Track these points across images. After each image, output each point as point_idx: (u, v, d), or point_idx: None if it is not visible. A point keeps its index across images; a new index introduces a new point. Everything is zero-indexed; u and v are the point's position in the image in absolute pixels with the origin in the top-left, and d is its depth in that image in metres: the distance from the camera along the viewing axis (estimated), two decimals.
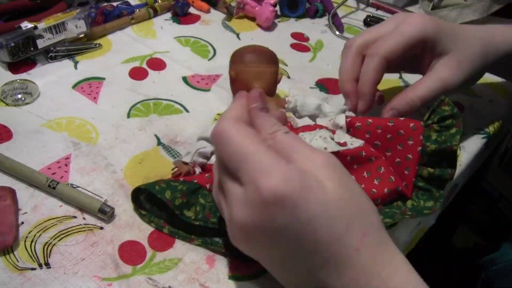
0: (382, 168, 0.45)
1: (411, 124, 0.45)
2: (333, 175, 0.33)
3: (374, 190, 0.44)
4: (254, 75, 0.52)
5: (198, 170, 0.47)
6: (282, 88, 0.63)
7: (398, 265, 0.33)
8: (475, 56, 0.51)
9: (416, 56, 0.52)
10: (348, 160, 0.43)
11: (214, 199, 0.38)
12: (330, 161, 0.34)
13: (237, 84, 0.53)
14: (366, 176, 0.44)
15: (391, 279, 0.32)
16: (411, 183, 0.45)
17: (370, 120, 0.46)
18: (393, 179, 0.44)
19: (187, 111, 0.58)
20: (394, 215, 0.43)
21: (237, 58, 0.54)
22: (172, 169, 0.48)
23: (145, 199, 0.45)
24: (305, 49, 0.72)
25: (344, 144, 0.44)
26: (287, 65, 0.68)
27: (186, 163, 0.47)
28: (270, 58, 0.53)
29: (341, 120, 0.47)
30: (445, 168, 0.44)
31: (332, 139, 0.44)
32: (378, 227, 0.34)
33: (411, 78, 0.67)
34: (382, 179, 0.44)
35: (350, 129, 0.46)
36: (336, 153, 0.42)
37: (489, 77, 0.69)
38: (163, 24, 0.74)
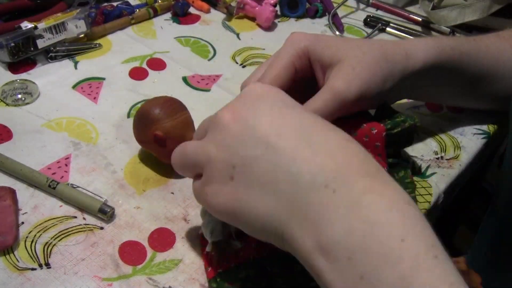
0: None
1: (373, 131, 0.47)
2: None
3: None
4: (183, 126, 0.48)
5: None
6: None
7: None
8: (373, 62, 0.45)
9: (312, 75, 0.48)
10: None
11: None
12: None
13: (170, 141, 0.47)
14: None
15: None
16: (385, 163, 0.47)
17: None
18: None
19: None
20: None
21: (154, 116, 0.47)
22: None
23: None
24: None
25: None
26: None
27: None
28: (180, 104, 0.50)
29: None
30: (404, 142, 0.48)
31: None
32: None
33: None
34: None
35: None
36: None
37: None
38: (163, 24, 0.74)
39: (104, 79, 0.62)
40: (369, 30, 0.77)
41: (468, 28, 0.76)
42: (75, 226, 0.45)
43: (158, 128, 0.47)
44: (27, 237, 0.43)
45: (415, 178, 0.52)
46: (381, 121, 0.46)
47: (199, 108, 0.59)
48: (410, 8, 0.83)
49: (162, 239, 0.45)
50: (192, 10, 0.78)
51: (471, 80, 0.52)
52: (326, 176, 0.30)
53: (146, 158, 0.52)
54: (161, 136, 0.47)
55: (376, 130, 0.46)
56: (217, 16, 0.77)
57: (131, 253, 0.43)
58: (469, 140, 0.58)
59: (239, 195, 0.33)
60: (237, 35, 0.74)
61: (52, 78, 0.61)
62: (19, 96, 0.58)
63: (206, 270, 0.42)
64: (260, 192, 0.32)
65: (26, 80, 0.60)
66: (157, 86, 0.62)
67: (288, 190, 0.31)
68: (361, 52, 0.45)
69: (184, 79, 0.64)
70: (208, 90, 0.62)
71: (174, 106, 0.49)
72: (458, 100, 0.57)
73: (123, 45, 0.68)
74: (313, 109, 0.44)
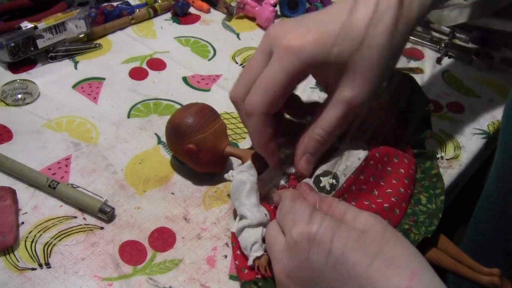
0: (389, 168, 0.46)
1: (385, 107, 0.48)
2: (377, 223, 0.36)
3: (401, 189, 0.45)
4: (216, 136, 0.47)
5: None
6: None
7: None
8: (378, 56, 0.40)
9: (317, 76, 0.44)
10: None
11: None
12: (377, 216, 0.37)
13: (203, 154, 0.47)
14: (382, 183, 0.45)
15: None
16: (411, 152, 0.48)
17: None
18: (406, 159, 0.46)
19: None
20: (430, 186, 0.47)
21: (186, 129, 0.47)
22: (255, 267, 0.41)
23: None
24: None
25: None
26: None
27: (259, 257, 0.41)
28: (212, 111, 0.49)
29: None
30: (424, 131, 0.49)
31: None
32: (427, 268, 0.34)
33: None
34: (405, 169, 0.46)
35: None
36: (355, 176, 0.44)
37: (489, 77, 0.69)
38: (163, 24, 0.74)
39: (104, 79, 0.62)
40: None
41: (468, 28, 0.76)
42: (75, 226, 0.45)
43: (190, 141, 0.47)
44: (27, 237, 0.43)
45: None
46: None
47: None
48: None
49: (162, 239, 0.45)
50: (192, 10, 0.78)
51: None
52: None
53: (146, 158, 0.52)
54: (193, 149, 0.47)
55: (394, 120, 0.47)
56: (217, 16, 0.77)
57: (131, 252, 0.43)
58: (469, 140, 0.58)
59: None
60: (237, 35, 0.74)
61: (52, 78, 0.61)
62: (19, 96, 0.58)
63: (241, 271, 0.41)
64: None
65: (26, 80, 0.60)
66: (157, 86, 0.62)
67: None
68: (362, 47, 0.39)
69: (184, 79, 0.64)
70: (208, 90, 0.62)
71: (206, 117, 0.48)
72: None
73: (123, 45, 0.68)
74: (326, 128, 0.42)
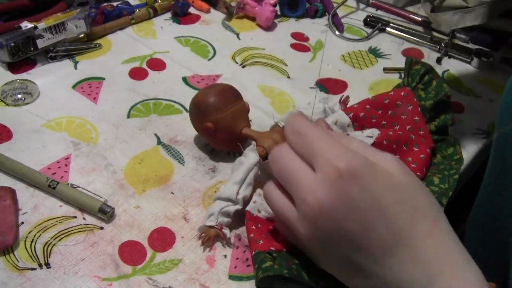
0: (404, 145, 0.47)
1: (402, 93, 0.49)
2: (401, 167, 0.36)
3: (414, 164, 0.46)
4: (234, 117, 0.49)
5: (226, 231, 0.44)
6: (283, 88, 0.64)
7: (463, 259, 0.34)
8: None
9: None
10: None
11: (271, 204, 0.40)
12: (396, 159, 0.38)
13: (220, 133, 0.49)
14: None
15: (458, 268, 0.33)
16: (429, 138, 0.48)
17: (368, 106, 0.48)
18: (416, 147, 0.47)
19: (187, 111, 0.58)
20: (446, 174, 0.47)
21: (206, 107, 0.49)
22: (200, 237, 0.44)
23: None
24: (305, 49, 0.72)
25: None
26: (287, 65, 0.68)
27: (212, 227, 0.43)
28: (235, 93, 0.51)
29: (345, 118, 0.47)
30: (444, 116, 0.49)
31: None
32: (444, 217, 0.36)
33: None
34: (413, 156, 0.47)
35: (355, 123, 0.47)
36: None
37: (488, 77, 0.69)
38: (163, 24, 0.74)
39: (104, 79, 0.62)
40: (369, 30, 0.77)
41: (468, 28, 0.76)
42: (75, 226, 0.45)
43: (209, 119, 0.49)
44: (27, 237, 0.43)
45: None
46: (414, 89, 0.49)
47: None
48: (410, 8, 0.83)
49: (162, 239, 0.45)
50: (192, 10, 0.78)
51: None
52: None
53: (146, 158, 0.52)
54: (211, 128, 0.49)
55: (411, 106, 0.47)
56: (217, 16, 0.77)
57: (131, 253, 0.43)
58: (469, 140, 0.58)
59: None
60: (237, 35, 0.74)
61: (52, 78, 0.61)
62: (19, 96, 0.58)
63: (255, 243, 0.42)
64: None
65: (26, 80, 0.60)
66: (157, 86, 0.62)
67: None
68: None
69: (184, 79, 0.64)
70: None
71: (227, 97, 0.50)
72: None
73: (123, 45, 0.68)
74: None
